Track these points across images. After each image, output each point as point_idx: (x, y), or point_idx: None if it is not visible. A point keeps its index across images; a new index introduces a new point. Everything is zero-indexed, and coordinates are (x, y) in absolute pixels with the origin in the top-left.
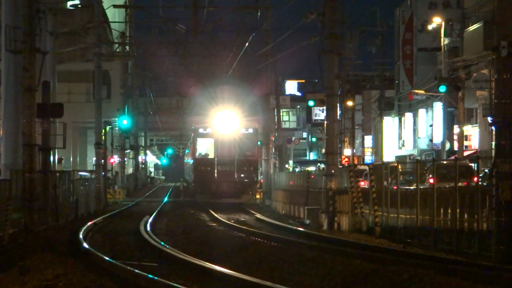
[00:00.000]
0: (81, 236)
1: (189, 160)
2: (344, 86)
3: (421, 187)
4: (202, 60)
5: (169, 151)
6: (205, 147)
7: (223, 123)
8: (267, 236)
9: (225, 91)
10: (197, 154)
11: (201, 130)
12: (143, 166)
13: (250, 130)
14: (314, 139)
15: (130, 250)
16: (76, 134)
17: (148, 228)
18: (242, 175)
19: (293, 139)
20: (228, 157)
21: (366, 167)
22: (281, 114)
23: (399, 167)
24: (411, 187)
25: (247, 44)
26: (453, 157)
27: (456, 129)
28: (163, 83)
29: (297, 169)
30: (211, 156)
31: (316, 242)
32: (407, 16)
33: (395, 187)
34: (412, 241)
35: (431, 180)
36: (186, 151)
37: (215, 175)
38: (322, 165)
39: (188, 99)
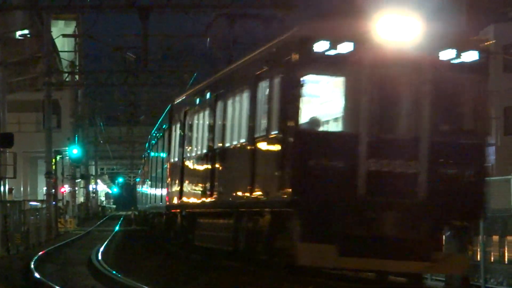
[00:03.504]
0: (32, 266)
1: (141, 189)
2: None
3: None
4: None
5: (120, 179)
6: (321, 102)
7: (391, 34)
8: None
9: None
10: (299, 118)
11: (317, 49)
12: (94, 195)
13: (467, 59)
14: None
15: (82, 279)
16: (27, 163)
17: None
18: (444, 189)
19: None
20: (402, 134)
21: None
22: None
23: None
24: None
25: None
26: None
27: None
28: (113, 111)
29: None
30: (340, 127)
31: None
32: None
33: None
34: None
35: None
36: (137, 179)
37: (358, 184)
38: None
39: None
